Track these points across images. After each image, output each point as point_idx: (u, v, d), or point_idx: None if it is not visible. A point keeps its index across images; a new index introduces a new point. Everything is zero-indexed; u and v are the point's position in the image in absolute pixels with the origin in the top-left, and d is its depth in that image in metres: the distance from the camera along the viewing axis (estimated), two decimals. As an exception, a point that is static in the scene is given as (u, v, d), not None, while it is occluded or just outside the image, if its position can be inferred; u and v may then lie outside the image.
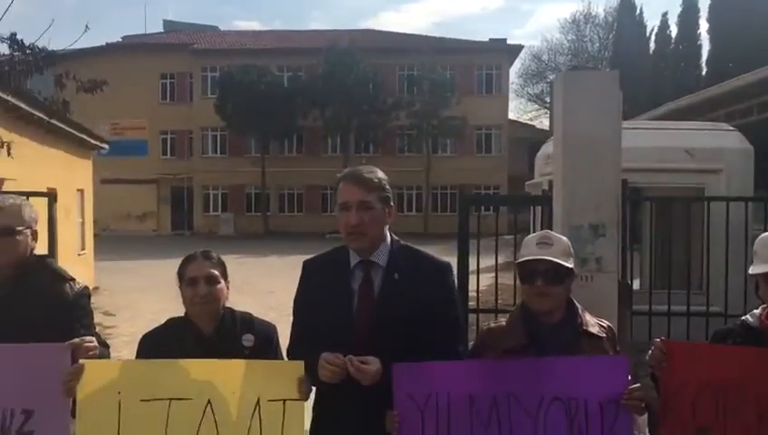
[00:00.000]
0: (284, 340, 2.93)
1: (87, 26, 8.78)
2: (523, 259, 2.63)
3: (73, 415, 2.59)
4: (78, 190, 16.17)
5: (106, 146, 18.23)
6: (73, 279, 2.97)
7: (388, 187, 2.71)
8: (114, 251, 23.21)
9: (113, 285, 16.31)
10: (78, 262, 14.39)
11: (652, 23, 53.99)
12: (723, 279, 5.61)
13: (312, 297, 2.76)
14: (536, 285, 2.58)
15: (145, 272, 18.46)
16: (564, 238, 2.74)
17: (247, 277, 16.20)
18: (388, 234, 2.75)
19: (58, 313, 2.80)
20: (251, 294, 13.56)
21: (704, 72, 32.32)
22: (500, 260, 5.87)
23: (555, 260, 2.58)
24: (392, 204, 2.72)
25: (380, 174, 2.71)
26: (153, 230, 40.23)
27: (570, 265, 2.63)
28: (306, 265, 2.86)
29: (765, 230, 3.35)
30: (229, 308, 2.90)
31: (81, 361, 2.59)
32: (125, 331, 10.59)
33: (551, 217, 5.29)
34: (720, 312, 5.54)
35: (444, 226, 29.33)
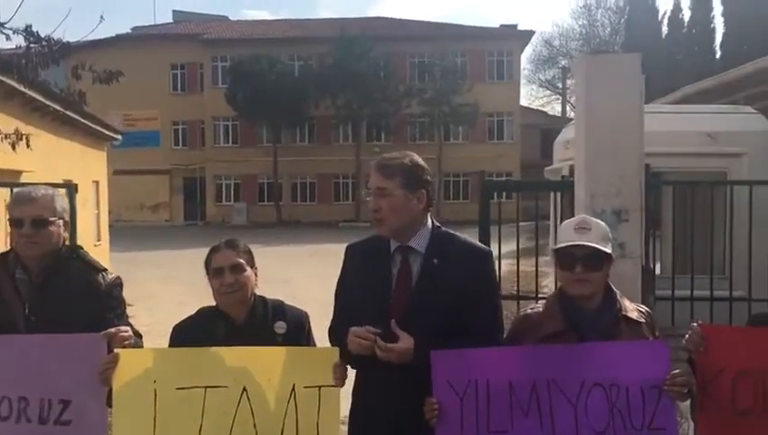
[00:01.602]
0: (314, 327, 2.93)
1: (102, 17, 8.79)
2: (562, 245, 2.60)
3: (109, 404, 2.60)
4: (93, 181, 16.22)
5: (120, 137, 18.30)
6: (105, 269, 2.97)
7: (416, 173, 2.63)
8: (128, 242, 23.25)
9: (129, 276, 15.91)
10: (95, 252, 14.24)
11: (664, 6, 53.51)
12: (746, 264, 5.55)
13: (352, 281, 2.76)
14: (575, 272, 2.55)
15: (160, 262, 18.52)
16: (602, 223, 2.70)
17: (261, 267, 16.06)
18: (430, 220, 2.72)
19: (91, 303, 2.81)
20: (266, 284, 13.44)
21: (718, 56, 31.98)
22: (520, 246, 5.85)
23: (594, 245, 2.55)
24: (425, 190, 2.66)
25: (407, 160, 2.64)
26: (166, 220, 40.40)
27: (608, 250, 2.59)
28: (348, 248, 2.85)
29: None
30: (261, 296, 2.91)
31: (116, 350, 2.59)
32: (144, 321, 10.60)
33: (572, 203, 5.25)
34: (744, 296, 5.50)
35: (456, 213, 29.18)
